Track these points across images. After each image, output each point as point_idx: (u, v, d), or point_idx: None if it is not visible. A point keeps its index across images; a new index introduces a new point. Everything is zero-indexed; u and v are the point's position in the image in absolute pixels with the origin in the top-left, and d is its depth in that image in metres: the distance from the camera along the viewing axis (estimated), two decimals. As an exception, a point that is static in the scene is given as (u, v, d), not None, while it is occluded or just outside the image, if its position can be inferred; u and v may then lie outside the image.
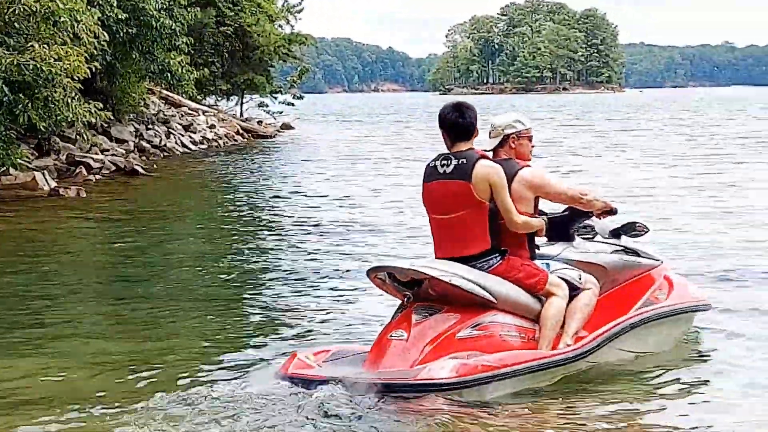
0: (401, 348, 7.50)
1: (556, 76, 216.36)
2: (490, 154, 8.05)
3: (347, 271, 12.80)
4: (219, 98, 51.31)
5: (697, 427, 6.94)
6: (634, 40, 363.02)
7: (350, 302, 11.01)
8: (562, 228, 8.49)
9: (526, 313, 7.90)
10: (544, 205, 8.31)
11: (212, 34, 45.03)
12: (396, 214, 18.48)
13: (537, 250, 8.23)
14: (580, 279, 8.19)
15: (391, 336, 7.60)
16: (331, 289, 11.76)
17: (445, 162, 7.78)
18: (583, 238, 8.61)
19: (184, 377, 8.01)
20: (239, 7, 46.97)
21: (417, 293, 7.79)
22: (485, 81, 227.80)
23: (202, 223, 18.67)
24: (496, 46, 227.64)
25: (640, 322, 8.51)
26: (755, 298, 10.81)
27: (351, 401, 6.99)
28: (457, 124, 7.79)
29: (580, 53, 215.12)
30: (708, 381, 7.99)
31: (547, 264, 8.17)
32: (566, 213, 8.48)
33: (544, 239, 8.37)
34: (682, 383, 7.92)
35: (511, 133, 8.17)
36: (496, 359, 7.46)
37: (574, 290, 8.10)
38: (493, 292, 7.72)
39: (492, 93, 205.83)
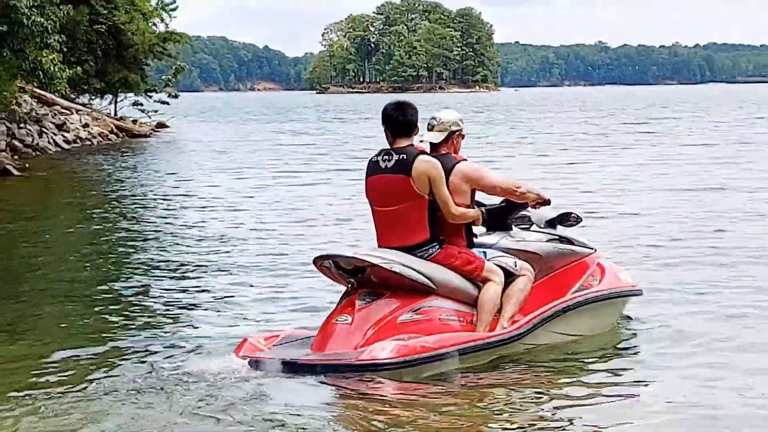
0: (346, 331, 7.99)
1: (432, 75, 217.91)
2: (426, 147, 8.48)
3: (233, 265, 12.96)
4: (93, 97, 50.71)
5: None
6: (509, 39, 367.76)
7: (224, 297, 11.14)
8: (499, 218, 8.95)
9: (465, 298, 8.36)
10: (484, 197, 8.69)
11: (86, 32, 44.46)
12: (266, 216, 18.60)
13: (475, 239, 8.69)
14: (515, 266, 8.64)
15: (336, 321, 8.10)
16: (207, 283, 11.88)
17: (386, 157, 8.27)
18: (520, 228, 9.05)
19: (58, 374, 8.02)
20: (113, 5, 46.52)
21: (360, 280, 8.22)
22: (362, 80, 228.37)
23: (76, 222, 18.49)
24: (373, 45, 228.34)
25: (573, 305, 8.95)
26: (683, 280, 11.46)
27: (295, 383, 7.46)
28: (398, 121, 8.29)
29: (455, 52, 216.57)
30: (632, 369, 8.31)
31: (484, 252, 8.63)
32: (503, 204, 8.92)
33: (484, 229, 8.80)
34: (608, 370, 8.27)
35: (456, 130, 8.66)
36: (434, 340, 7.91)
37: (510, 276, 8.54)
38: (432, 278, 8.18)
39: (368, 92, 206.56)
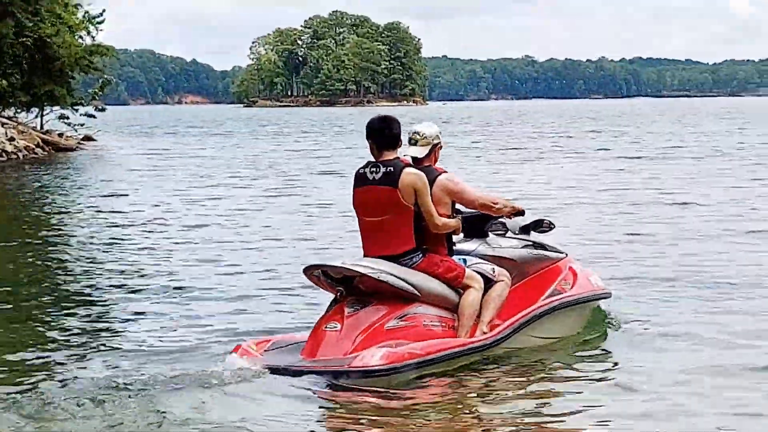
0: (335, 338, 8.41)
1: (360, 89, 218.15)
2: (408, 160, 8.90)
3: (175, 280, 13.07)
4: (19, 110, 50.31)
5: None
6: (437, 53, 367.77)
7: (134, 316, 11.33)
8: (476, 225, 9.40)
9: (446, 304, 8.83)
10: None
11: (11, 45, 44.22)
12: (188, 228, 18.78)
13: (454, 247, 9.12)
14: (493, 272, 9.10)
15: (326, 327, 8.52)
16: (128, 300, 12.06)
17: (374, 169, 8.67)
18: (496, 234, 9.51)
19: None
20: (39, 18, 46.25)
21: (349, 289, 8.67)
22: (290, 93, 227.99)
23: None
24: (301, 59, 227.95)
25: (549, 310, 9.51)
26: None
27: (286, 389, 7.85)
28: (384, 135, 8.70)
29: (383, 66, 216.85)
30: (608, 367, 8.89)
31: (464, 259, 9.11)
32: (480, 213, 9.33)
33: (461, 236, 9.19)
34: (581, 370, 8.81)
35: (437, 143, 9.11)
36: (421, 347, 8.37)
37: (488, 282, 8.99)
38: (417, 286, 8.62)
39: (296, 105, 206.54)
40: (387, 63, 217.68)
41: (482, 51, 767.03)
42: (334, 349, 8.29)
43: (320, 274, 8.73)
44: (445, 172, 8.99)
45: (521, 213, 9.36)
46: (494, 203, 9.13)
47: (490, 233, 9.46)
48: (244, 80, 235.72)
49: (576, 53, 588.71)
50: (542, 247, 9.71)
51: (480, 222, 9.42)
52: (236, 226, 18.59)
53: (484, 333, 8.80)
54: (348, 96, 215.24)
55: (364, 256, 8.79)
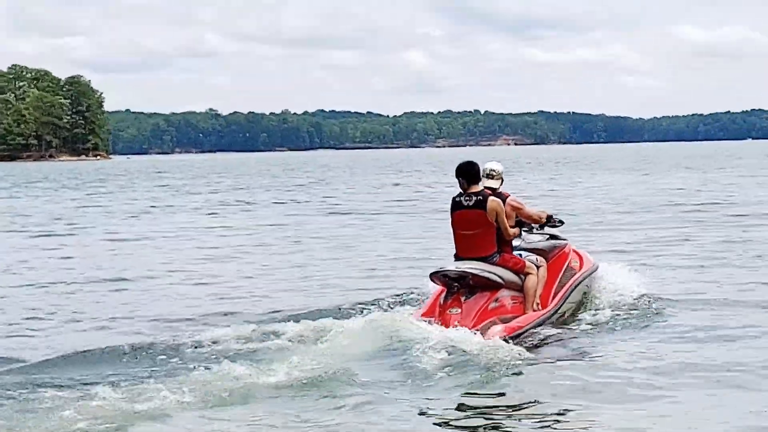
0: (458, 319, 12.40)
1: (42, 144, 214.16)
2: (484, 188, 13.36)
3: None
4: None
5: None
6: (120, 107, 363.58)
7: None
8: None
9: (516, 288, 13.13)
10: None
11: None
12: None
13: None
14: (537, 260, 13.55)
15: (450, 311, 12.52)
16: None
17: (467, 198, 13.13)
18: (525, 231, 14.12)
19: None
20: None
21: (462, 283, 12.74)
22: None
23: None
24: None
25: (579, 283, 14.11)
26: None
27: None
28: (472, 173, 13.21)
29: (65, 120, 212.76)
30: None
31: (519, 254, 13.53)
32: (518, 218, 13.80)
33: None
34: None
35: (502, 176, 13.71)
36: (521, 320, 12.74)
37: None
38: (502, 277, 12.93)
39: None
40: (69, 117, 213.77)
41: (166, 104, 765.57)
42: (460, 325, 12.14)
43: (441, 276, 12.75)
44: (509, 195, 13.54)
45: (550, 219, 14.11)
46: (541, 217, 13.98)
47: (523, 233, 14.03)
48: None
49: (259, 106, 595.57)
50: (554, 237, 14.43)
51: (519, 225, 13.83)
52: None
53: (538, 305, 13.16)
54: (30, 150, 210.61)
55: (458, 258, 13.08)
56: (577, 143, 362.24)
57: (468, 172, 13.15)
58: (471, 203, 13.05)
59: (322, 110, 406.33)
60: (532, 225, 14.20)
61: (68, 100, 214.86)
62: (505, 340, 11.90)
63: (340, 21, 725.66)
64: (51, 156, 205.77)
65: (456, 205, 13.16)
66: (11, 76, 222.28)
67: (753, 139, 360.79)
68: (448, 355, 11.04)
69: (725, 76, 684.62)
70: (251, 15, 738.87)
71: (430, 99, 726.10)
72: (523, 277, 13.19)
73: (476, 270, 12.70)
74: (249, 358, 11.38)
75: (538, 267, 13.48)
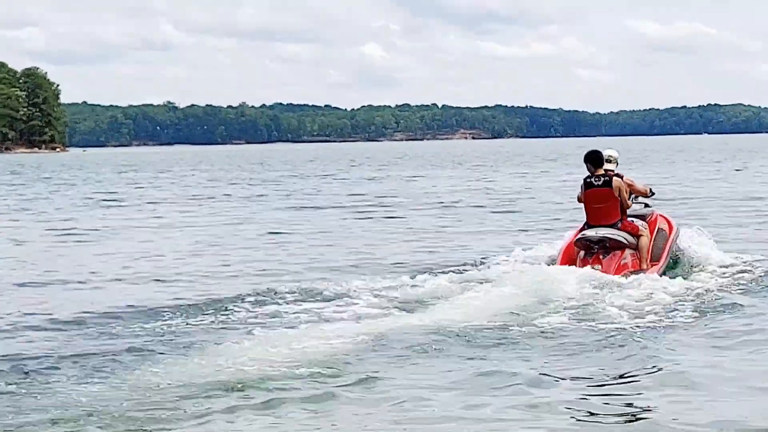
0: (600, 274, 15.84)
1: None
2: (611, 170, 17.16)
3: None
4: None
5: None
6: (77, 99, 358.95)
7: None
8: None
9: (634, 247, 16.66)
10: None
11: None
12: None
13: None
14: (643, 225, 16.98)
15: (593, 268, 15.98)
16: None
17: (596, 179, 16.85)
18: (632, 201, 17.44)
19: None
20: None
21: (600, 246, 16.39)
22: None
23: None
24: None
25: (674, 242, 17.67)
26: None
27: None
28: (599, 159, 17.01)
29: (22, 112, 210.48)
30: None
31: (632, 220, 16.92)
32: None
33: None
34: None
35: (617, 160, 17.33)
36: (654, 270, 16.38)
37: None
38: (627, 239, 16.56)
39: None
40: (25, 109, 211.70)
41: (123, 97, 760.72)
42: None
43: (585, 241, 16.35)
44: (623, 175, 17.02)
45: (652, 193, 17.95)
46: (647, 189, 17.74)
47: (631, 203, 17.22)
48: None
49: (217, 99, 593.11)
50: (647, 206, 17.96)
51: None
52: None
53: (647, 264, 16.47)
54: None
55: (590, 226, 16.55)
56: (534, 137, 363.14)
57: (595, 159, 16.95)
58: (600, 183, 16.79)
59: (280, 103, 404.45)
60: (638, 196, 17.77)
61: (24, 93, 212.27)
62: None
63: (296, 13, 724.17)
64: (7, 149, 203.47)
65: (588, 185, 16.90)
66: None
67: (708, 134, 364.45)
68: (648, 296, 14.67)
69: (680, 71, 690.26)
70: (206, 6, 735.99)
71: (387, 92, 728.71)
72: (636, 238, 16.71)
73: (612, 234, 16.46)
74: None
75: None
